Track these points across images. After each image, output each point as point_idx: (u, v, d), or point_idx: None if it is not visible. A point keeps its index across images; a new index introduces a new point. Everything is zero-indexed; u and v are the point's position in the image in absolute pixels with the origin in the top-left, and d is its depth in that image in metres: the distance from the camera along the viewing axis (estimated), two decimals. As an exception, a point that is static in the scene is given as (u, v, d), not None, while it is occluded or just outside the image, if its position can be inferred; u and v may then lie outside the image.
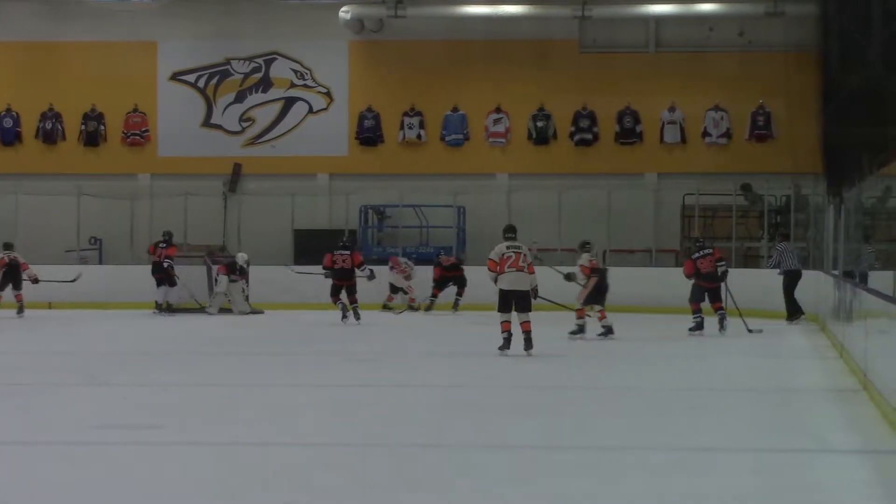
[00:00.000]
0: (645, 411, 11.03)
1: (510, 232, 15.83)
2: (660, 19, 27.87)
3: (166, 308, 23.70)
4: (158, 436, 9.50)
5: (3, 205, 27.66)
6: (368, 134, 28.28)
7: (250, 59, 28.85)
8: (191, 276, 24.32)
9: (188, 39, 28.90)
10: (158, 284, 23.79)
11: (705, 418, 10.62)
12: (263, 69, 28.84)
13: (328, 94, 28.68)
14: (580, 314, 17.82)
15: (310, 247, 26.27)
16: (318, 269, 21.94)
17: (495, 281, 15.32)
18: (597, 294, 17.85)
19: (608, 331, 17.81)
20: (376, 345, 17.91)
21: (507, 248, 15.33)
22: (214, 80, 28.90)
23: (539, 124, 28.01)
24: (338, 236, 26.72)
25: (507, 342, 15.14)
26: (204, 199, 27.92)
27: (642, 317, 22.25)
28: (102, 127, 28.78)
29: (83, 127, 28.76)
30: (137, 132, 28.74)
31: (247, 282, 24.09)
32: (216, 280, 24.00)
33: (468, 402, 11.55)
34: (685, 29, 27.94)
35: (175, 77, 28.92)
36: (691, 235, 26.13)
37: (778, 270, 21.88)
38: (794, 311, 21.73)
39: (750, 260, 26.21)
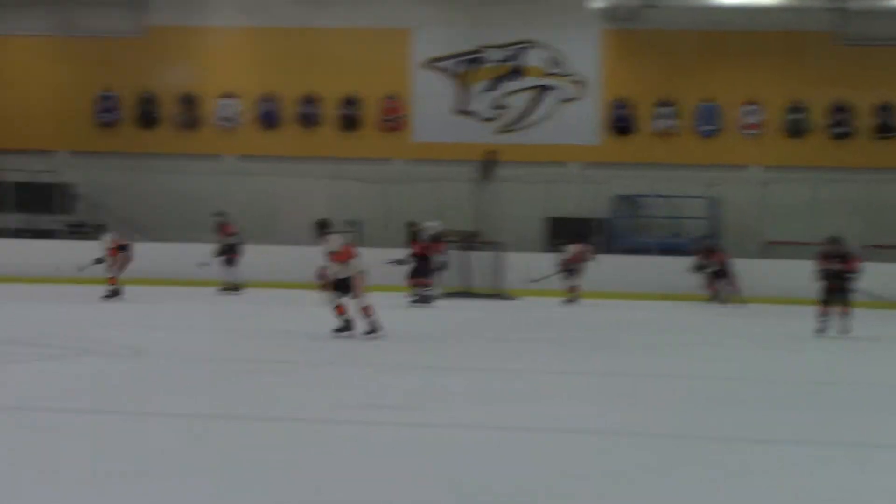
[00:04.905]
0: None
1: (328, 226, 15.97)
2: (923, 10, 27.29)
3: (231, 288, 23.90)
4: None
5: (263, 186, 28.61)
6: (621, 123, 28.37)
7: (503, 47, 29.19)
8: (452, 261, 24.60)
9: (441, 27, 29.43)
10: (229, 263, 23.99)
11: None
12: (516, 57, 29.14)
13: (580, 83, 28.83)
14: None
15: (561, 234, 26.49)
16: None
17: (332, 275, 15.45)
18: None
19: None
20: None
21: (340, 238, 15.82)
22: (468, 68, 29.33)
23: (793, 116, 27.69)
24: (588, 225, 26.94)
25: (350, 323, 15.29)
26: (455, 184, 28.32)
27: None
28: (359, 112, 29.50)
29: (340, 111, 29.50)
30: (392, 118, 29.39)
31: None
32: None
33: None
34: (950, 20, 27.28)
35: (429, 64, 29.45)
36: None
37: None
38: None
39: None
